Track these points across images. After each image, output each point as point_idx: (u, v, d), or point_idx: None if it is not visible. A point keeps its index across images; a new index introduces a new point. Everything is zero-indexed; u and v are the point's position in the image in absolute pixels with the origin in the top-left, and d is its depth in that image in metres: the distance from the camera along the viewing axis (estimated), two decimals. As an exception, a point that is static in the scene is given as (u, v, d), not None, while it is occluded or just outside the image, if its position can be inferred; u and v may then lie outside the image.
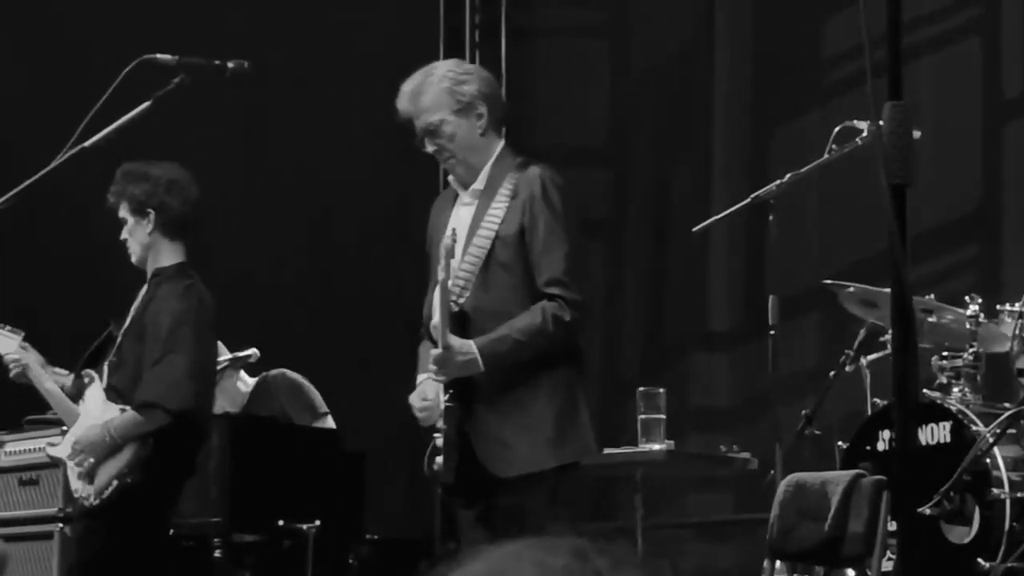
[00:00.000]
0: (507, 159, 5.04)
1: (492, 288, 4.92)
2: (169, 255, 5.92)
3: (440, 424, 4.85)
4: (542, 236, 4.90)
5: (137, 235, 5.91)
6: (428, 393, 4.95)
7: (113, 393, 5.87)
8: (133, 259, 5.96)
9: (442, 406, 4.86)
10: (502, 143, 5.08)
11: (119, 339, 5.95)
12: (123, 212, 5.92)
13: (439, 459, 4.81)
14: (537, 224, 4.91)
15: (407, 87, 5.06)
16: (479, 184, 5.02)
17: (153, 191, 5.86)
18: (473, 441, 4.86)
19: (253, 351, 7.51)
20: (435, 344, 4.91)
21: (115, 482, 5.74)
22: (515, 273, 4.91)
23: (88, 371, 5.98)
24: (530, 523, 4.73)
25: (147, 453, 5.73)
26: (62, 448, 5.95)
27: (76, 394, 5.98)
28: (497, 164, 5.03)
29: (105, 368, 5.94)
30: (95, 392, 5.92)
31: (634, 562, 1.22)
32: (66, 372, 6.06)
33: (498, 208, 4.95)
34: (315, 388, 7.59)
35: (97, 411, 5.88)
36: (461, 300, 4.91)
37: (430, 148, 5.05)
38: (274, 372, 7.66)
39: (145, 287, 5.96)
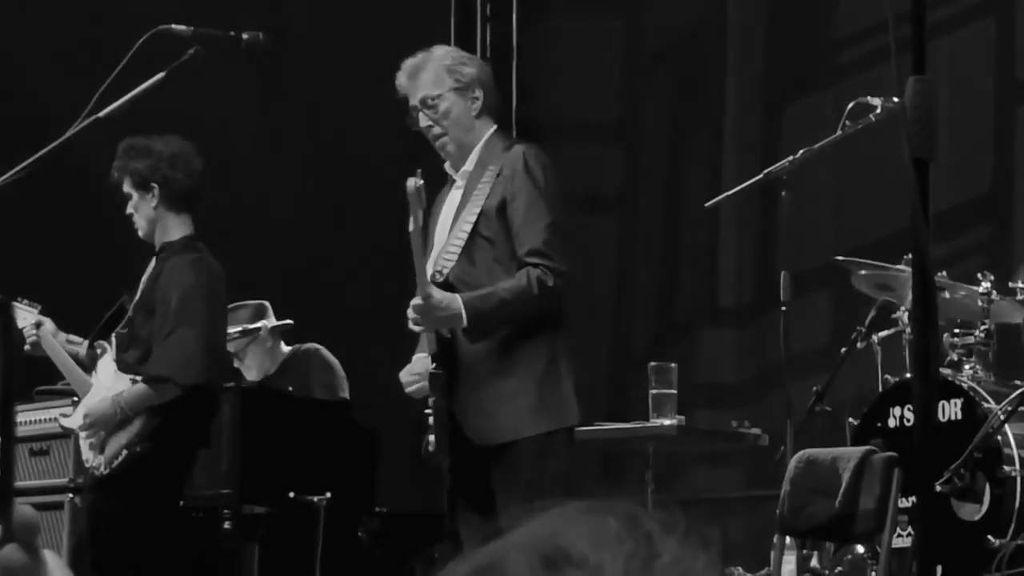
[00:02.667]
0: (497, 143, 5.12)
1: (477, 261, 4.98)
2: (176, 228, 5.92)
3: (428, 393, 4.89)
4: (523, 209, 4.96)
5: (142, 210, 5.91)
6: (416, 367, 5.03)
7: (123, 365, 5.88)
8: (140, 233, 5.96)
9: (429, 373, 4.90)
10: (494, 127, 5.15)
11: (130, 312, 5.95)
12: (127, 187, 5.92)
13: (431, 438, 4.85)
14: (518, 197, 4.97)
15: (407, 64, 5.17)
16: (468, 166, 5.11)
17: (156, 165, 5.86)
18: (458, 414, 4.90)
19: (288, 322, 7.60)
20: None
21: (125, 451, 5.76)
22: (498, 246, 4.97)
23: (101, 342, 6.00)
24: (526, 491, 4.75)
25: (157, 423, 5.74)
26: (74, 419, 5.97)
27: (89, 364, 6.00)
28: (487, 147, 5.11)
29: (114, 339, 5.95)
30: (107, 363, 5.94)
31: (684, 528, 1.23)
32: (80, 340, 6.07)
33: (484, 185, 5.01)
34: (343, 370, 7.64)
35: (108, 382, 5.89)
36: (445, 271, 4.95)
37: (423, 123, 5.13)
38: (308, 346, 7.71)
39: (153, 261, 5.97)
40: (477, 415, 4.92)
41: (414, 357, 5.10)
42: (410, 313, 4.90)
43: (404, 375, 5.07)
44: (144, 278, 5.96)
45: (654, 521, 1.20)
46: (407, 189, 4.78)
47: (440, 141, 5.12)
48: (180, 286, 5.80)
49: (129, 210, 5.94)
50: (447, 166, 5.19)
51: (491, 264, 4.97)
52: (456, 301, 4.85)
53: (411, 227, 4.85)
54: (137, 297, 5.94)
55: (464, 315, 4.85)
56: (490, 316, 4.88)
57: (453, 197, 5.12)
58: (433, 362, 4.91)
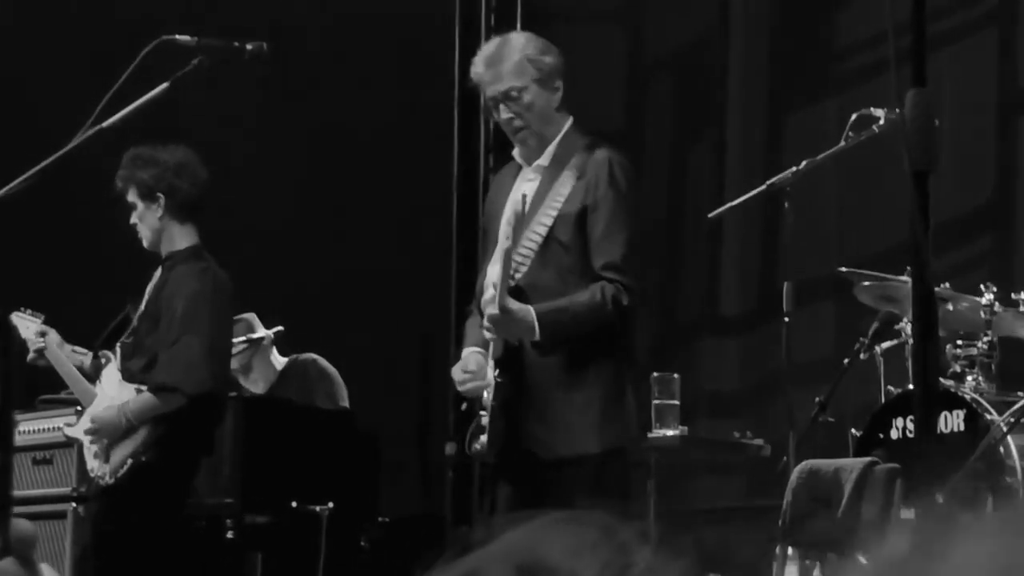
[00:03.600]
0: (574, 137, 5.00)
1: (550, 266, 4.87)
2: (182, 238, 5.92)
3: (487, 398, 4.81)
4: (605, 219, 4.85)
5: (147, 220, 5.92)
6: (470, 364, 4.91)
7: (127, 374, 5.89)
8: (145, 243, 5.96)
9: (491, 381, 4.81)
10: (571, 120, 5.04)
11: (135, 321, 5.96)
12: (132, 197, 5.92)
13: (483, 438, 4.79)
14: (600, 206, 4.86)
15: (485, 52, 5.01)
16: (544, 160, 4.97)
17: (162, 175, 5.87)
18: (518, 421, 4.82)
19: (279, 328, 7.60)
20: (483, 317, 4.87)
21: (130, 460, 5.76)
22: (573, 253, 4.86)
23: (105, 351, 6.00)
24: (576, 507, 4.67)
25: (161, 432, 5.75)
26: (78, 428, 5.97)
27: (93, 374, 6.00)
28: (564, 141, 4.98)
29: (119, 349, 5.96)
30: (111, 372, 5.94)
31: (658, 538, 1.24)
32: (85, 351, 6.08)
33: (564, 187, 4.89)
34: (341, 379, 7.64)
35: (113, 391, 5.89)
36: (518, 275, 4.84)
37: (504, 115, 4.97)
38: (305, 356, 7.71)
39: (159, 270, 5.97)
40: (542, 427, 4.82)
41: (464, 351, 4.99)
42: (485, 323, 4.80)
43: (457, 372, 4.93)
44: (150, 287, 5.97)
45: (629, 531, 1.22)
46: (515, 208, 4.72)
47: (521, 134, 4.97)
48: (186, 295, 5.80)
49: (134, 220, 5.94)
50: (517, 155, 5.04)
51: (565, 272, 4.86)
52: (531, 314, 4.75)
53: (507, 244, 4.75)
54: (142, 306, 5.95)
55: (537, 328, 4.75)
56: (563, 330, 4.78)
57: (526, 190, 4.95)
58: (496, 367, 4.82)
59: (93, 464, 5.87)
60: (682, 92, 9.08)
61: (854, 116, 6.37)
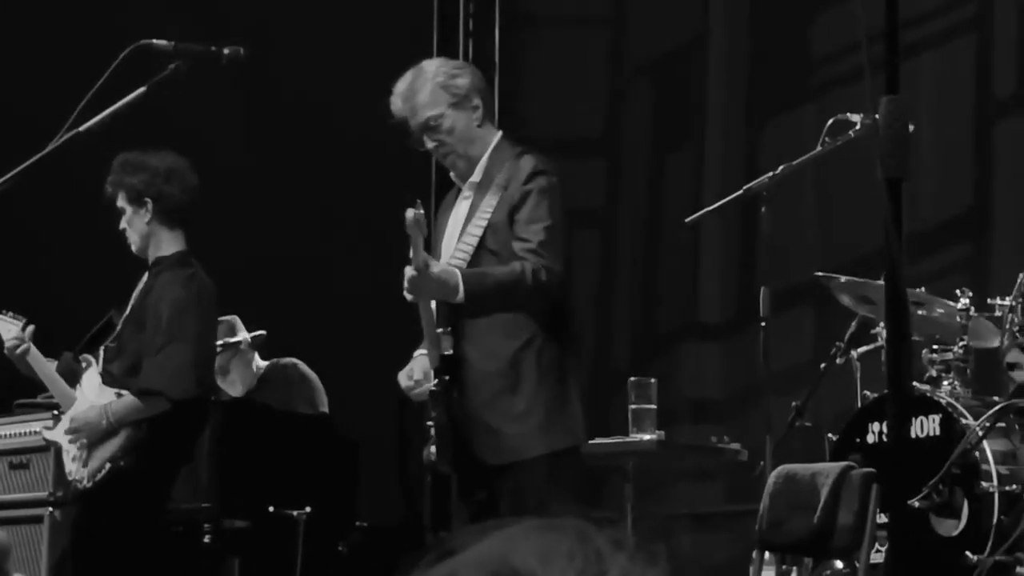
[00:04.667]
0: (504, 149, 5.08)
1: None
2: (169, 244, 5.92)
3: (430, 411, 4.86)
4: (526, 214, 4.94)
5: (136, 225, 5.92)
6: (415, 371, 4.97)
7: (109, 378, 5.88)
8: (133, 249, 5.96)
9: (429, 391, 4.87)
10: (499, 134, 5.11)
11: (119, 326, 5.96)
12: (121, 202, 5.92)
13: (432, 448, 4.83)
14: (523, 206, 4.95)
15: (400, 88, 5.09)
16: (475, 176, 5.06)
17: (151, 181, 5.87)
18: (464, 430, 4.86)
19: (261, 332, 7.61)
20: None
21: (108, 465, 5.75)
22: (503, 259, 4.94)
23: (86, 355, 6.00)
24: (536, 510, 4.71)
25: (142, 437, 5.74)
26: (57, 431, 5.96)
27: (73, 378, 5.99)
28: (494, 155, 5.06)
29: (101, 353, 5.95)
30: (91, 376, 5.94)
31: (633, 544, 1.25)
32: (52, 360, 6.06)
33: (492, 199, 4.98)
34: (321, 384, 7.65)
35: (93, 395, 5.89)
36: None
37: (429, 145, 5.07)
38: (286, 361, 7.72)
39: (146, 276, 5.97)
40: (485, 433, 4.87)
41: (415, 354, 5.05)
42: (405, 283, 4.82)
43: (402, 378, 5.01)
44: (136, 292, 5.96)
45: (604, 538, 1.22)
46: (406, 220, 4.70)
47: (449, 159, 5.07)
48: (172, 301, 5.80)
49: (122, 225, 5.94)
50: (454, 177, 5.15)
51: None
52: (454, 274, 4.81)
53: (413, 259, 4.76)
54: (128, 311, 5.94)
55: (461, 286, 4.79)
56: (485, 294, 4.83)
57: (460, 208, 5.08)
58: (435, 377, 4.87)
59: (71, 467, 5.85)
60: (661, 97, 9.09)
61: (830, 121, 6.39)
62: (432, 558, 1.22)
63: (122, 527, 5.75)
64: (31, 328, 6.01)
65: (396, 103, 5.08)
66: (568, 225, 5.16)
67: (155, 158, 5.91)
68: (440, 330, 4.88)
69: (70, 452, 5.86)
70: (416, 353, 5.06)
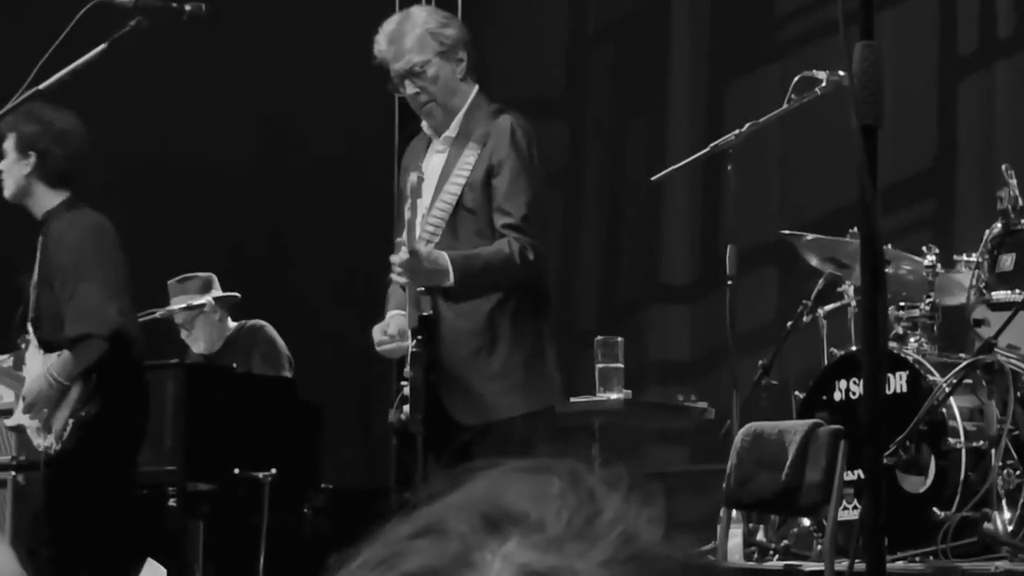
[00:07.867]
0: (481, 106, 5.04)
1: (460, 234, 4.93)
2: (50, 199, 5.86)
3: (407, 371, 4.83)
4: (507, 181, 4.90)
5: (14, 172, 5.85)
6: (391, 328, 4.94)
7: (46, 345, 5.83)
8: (6, 193, 5.89)
9: (409, 350, 4.83)
10: (476, 88, 5.07)
11: (33, 293, 5.90)
12: (7, 144, 5.85)
13: (406, 408, 4.79)
14: (502, 169, 4.91)
15: (387, 28, 5.02)
16: (452, 131, 5.01)
17: (42, 135, 5.80)
18: (439, 389, 4.84)
19: (235, 294, 7.62)
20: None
21: (71, 421, 5.71)
22: (481, 219, 4.92)
23: (24, 336, 5.95)
24: None
25: (94, 384, 5.70)
26: (16, 414, 5.91)
27: (19, 361, 5.97)
28: (471, 111, 5.02)
29: (30, 326, 5.91)
30: (32, 352, 5.91)
31: (627, 484, 1.21)
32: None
33: (469, 156, 4.94)
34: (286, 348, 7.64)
35: (38, 367, 5.85)
36: (431, 246, 4.88)
37: (410, 91, 5.01)
38: (253, 323, 7.71)
39: (40, 237, 5.90)
40: (461, 394, 4.86)
41: (388, 314, 5.02)
42: (395, 267, 4.81)
43: (377, 332, 4.98)
44: (38, 254, 5.90)
45: (597, 478, 1.19)
46: (409, 183, 4.72)
47: (427, 107, 5.01)
48: (68, 247, 5.75)
49: (1, 167, 5.87)
50: (426, 127, 5.09)
51: (474, 237, 4.91)
52: (444, 257, 4.79)
53: (407, 214, 4.76)
54: (35, 276, 5.88)
55: (451, 271, 4.79)
56: (475, 277, 4.82)
57: (433, 162, 5.02)
58: (413, 338, 4.83)
59: (38, 440, 5.82)
60: (624, 56, 9.06)
61: (796, 78, 6.37)
62: (417, 503, 1.18)
63: (98, 478, 5.71)
64: None
65: (380, 44, 5.01)
66: (545, 190, 5.13)
67: (54, 114, 5.83)
68: (420, 289, 4.84)
69: (32, 426, 5.82)
70: (389, 313, 5.02)
